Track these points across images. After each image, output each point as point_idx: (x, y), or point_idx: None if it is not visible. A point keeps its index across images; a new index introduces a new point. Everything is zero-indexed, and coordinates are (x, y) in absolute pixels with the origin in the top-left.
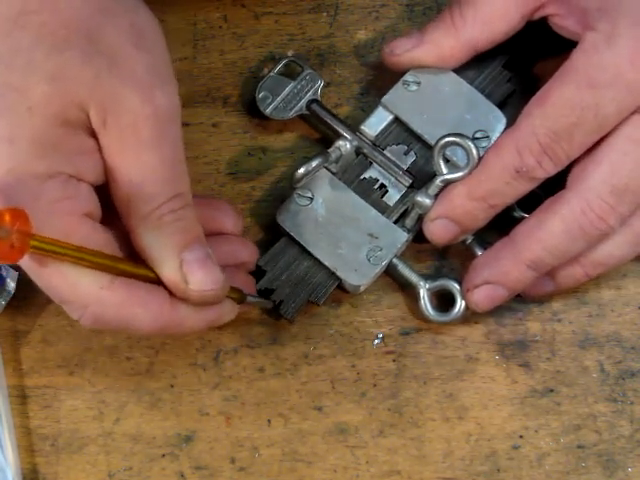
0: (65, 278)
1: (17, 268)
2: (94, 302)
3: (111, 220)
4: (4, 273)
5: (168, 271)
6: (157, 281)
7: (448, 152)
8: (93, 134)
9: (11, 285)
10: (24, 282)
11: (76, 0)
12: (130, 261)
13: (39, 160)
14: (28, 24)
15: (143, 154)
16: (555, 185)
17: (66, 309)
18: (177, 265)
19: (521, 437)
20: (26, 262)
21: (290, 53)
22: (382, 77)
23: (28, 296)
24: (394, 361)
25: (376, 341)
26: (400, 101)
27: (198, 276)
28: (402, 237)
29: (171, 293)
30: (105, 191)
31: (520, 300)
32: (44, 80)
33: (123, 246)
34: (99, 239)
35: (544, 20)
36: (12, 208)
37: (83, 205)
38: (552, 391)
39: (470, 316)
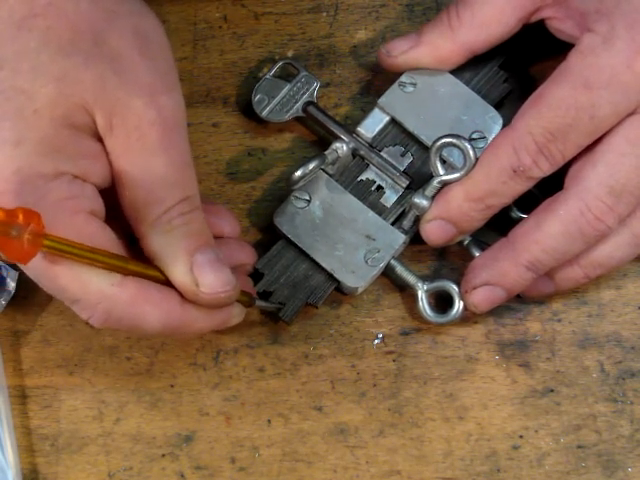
0: (76, 276)
1: (17, 268)
2: (105, 299)
3: (112, 224)
4: (4, 273)
5: (179, 274)
6: (167, 283)
7: (445, 153)
8: (99, 138)
9: (11, 285)
10: (24, 282)
11: (82, 4)
12: (141, 262)
13: (45, 161)
14: (34, 28)
15: (150, 158)
16: (553, 186)
17: (76, 309)
18: (188, 268)
19: (521, 437)
20: (35, 264)
21: (290, 53)
22: (382, 77)
23: (28, 296)
24: (394, 361)
25: (376, 341)
26: (396, 102)
27: (209, 278)
28: (399, 239)
29: (182, 295)
30: (107, 195)
31: (520, 300)
32: (50, 83)
33: (125, 248)
34: (106, 238)
35: (541, 22)
36: (25, 208)
37: (88, 204)
38: (552, 391)
39: (470, 316)
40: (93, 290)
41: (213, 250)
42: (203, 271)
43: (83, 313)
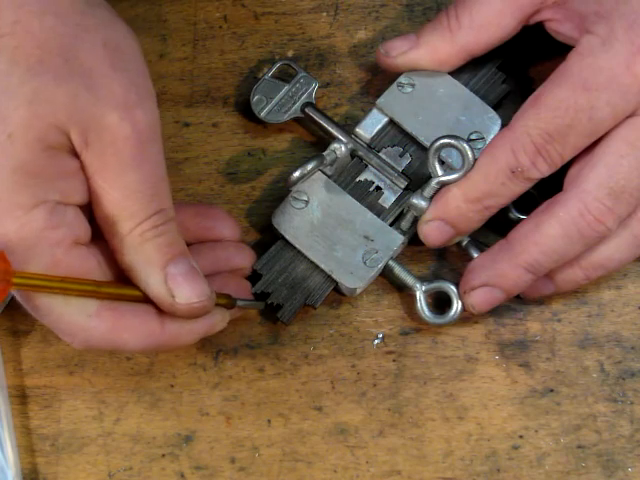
0: (52, 309)
1: None
2: (82, 331)
3: (100, 237)
4: None
5: (153, 287)
6: (144, 299)
7: (443, 154)
8: (76, 155)
9: None
10: None
11: (49, 20)
12: (116, 283)
13: (23, 190)
14: (2, 49)
15: (124, 173)
16: (552, 187)
17: (57, 334)
18: (162, 280)
19: (521, 437)
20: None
21: (290, 53)
22: (382, 77)
23: None
24: (394, 361)
25: (376, 341)
26: (395, 103)
27: (184, 289)
28: (398, 239)
29: (160, 311)
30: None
31: (520, 300)
32: (22, 105)
33: (113, 265)
34: (86, 266)
35: (540, 24)
36: None
37: (70, 232)
38: (552, 391)
39: (470, 316)
40: (68, 323)
41: (187, 261)
42: (177, 282)
43: (65, 339)
